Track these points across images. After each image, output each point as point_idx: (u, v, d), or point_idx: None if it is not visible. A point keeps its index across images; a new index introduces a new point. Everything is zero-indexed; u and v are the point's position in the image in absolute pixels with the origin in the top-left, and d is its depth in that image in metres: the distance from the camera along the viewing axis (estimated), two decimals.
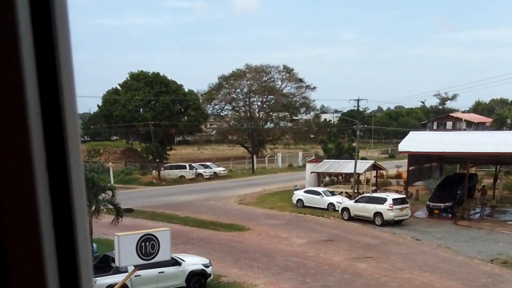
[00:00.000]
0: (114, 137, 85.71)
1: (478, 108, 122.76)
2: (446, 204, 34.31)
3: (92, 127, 73.47)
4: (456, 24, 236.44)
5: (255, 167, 63.89)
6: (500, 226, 30.93)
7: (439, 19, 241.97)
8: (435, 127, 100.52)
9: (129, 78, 69.16)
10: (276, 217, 34.45)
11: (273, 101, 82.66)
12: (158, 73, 69.90)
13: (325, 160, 45.88)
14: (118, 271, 17.85)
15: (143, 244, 16.85)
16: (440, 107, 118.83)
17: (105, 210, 24.29)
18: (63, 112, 1.09)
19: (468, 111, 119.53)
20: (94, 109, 72.36)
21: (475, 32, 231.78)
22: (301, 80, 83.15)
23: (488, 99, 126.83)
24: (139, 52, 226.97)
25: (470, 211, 35.33)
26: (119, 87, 69.50)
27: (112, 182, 41.14)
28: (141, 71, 69.60)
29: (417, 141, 37.50)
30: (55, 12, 1.07)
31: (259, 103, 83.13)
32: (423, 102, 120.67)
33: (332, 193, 38.12)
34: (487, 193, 38.48)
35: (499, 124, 79.61)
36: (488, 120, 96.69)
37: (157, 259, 17.04)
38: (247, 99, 77.66)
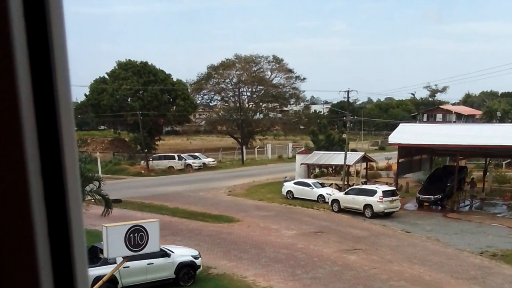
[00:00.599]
0: (102, 127, 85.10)
1: (468, 100, 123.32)
2: (435, 196, 34.35)
3: (79, 116, 72.81)
4: (446, 17, 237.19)
5: (244, 158, 63.72)
6: (489, 219, 30.99)
7: (429, 11, 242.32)
8: (425, 119, 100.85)
9: (116, 67, 68.41)
10: (265, 209, 34.29)
11: (262, 91, 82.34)
12: (146, 62, 69.25)
13: (315, 152, 45.76)
14: (106, 262, 17.61)
15: (131, 235, 16.61)
16: (430, 99, 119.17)
17: (92, 200, 24.04)
18: (57, 104, 1.09)
19: (458, 104, 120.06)
20: (81, 98, 71.63)
21: (465, 25, 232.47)
22: (291, 71, 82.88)
23: (478, 91, 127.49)
24: (127, 41, 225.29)
25: (460, 204, 35.37)
26: (106, 76, 68.75)
27: (100, 172, 40.82)
28: (129, 60, 68.87)
29: (407, 133, 37.48)
30: (49, 5, 1.06)
31: (248, 94, 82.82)
32: (413, 94, 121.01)
33: (322, 185, 38.02)
34: (477, 185, 38.64)
35: (489, 117, 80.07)
36: (478, 112, 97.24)
37: (145, 250, 16.81)
38: (237, 90, 77.38)
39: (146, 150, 56.79)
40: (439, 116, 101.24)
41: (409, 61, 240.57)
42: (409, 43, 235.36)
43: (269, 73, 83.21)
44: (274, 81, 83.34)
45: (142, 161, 56.68)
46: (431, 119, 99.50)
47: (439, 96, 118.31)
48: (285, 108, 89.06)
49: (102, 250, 17.20)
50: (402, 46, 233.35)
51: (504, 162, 51.68)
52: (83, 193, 22.42)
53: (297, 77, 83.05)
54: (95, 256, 18.79)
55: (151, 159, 56.13)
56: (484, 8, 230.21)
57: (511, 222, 30.07)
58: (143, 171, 53.50)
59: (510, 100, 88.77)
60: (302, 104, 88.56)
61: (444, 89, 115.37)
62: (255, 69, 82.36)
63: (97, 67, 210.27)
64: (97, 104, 66.30)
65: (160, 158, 57.23)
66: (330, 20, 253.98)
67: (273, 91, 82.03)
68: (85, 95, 68.90)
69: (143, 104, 64.36)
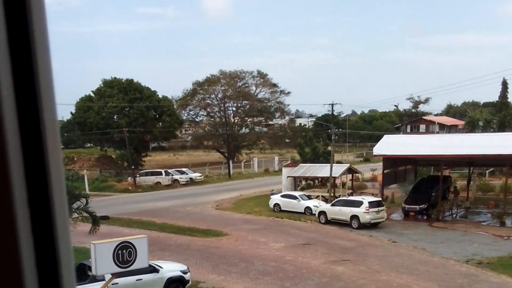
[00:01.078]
0: (88, 144, 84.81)
1: (450, 111, 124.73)
2: (421, 206, 34.71)
3: (66, 134, 72.61)
4: (426, 29, 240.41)
5: (231, 172, 63.85)
6: (474, 227, 31.38)
7: (408, 25, 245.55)
8: (408, 130, 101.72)
9: (102, 85, 68.64)
10: (253, 222, 34.41)
11: (248, 106, 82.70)
12: (132, 80, 69.51)
13: (301, 165, 46.08)
14: (95, 279, 17.60)
15: (120, 251, 16.65)
16: (413, 110, 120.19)
17: (80, 218, 24.03)
18: (43, 123, 1.07)
19: (441, 114, 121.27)
20: (67, 116, 71.55)
21: (444, 37, 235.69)
22: (275, 85, 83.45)
23: (460, 102, 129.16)
24: (112, 59, 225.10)
25: (445, 213, 35.76)
26: (92, 94, 68.93)
27: (87, 189, 40.67)
28: (115, 77, 69.13)
29: (392, 144, 37.92)
30: (32, 19, 1.05)
31: (234, 109, 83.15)
32: (396, 106, 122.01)
33: (309, 197, 38.26)
34: (460, 194, 39.08)
35: (471, 127, 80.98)
36: (460, 122, 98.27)
37: (134, 266, 16.84)
38: (222, 105, 77.66)
39: (133, 167, 56.74)
40: (422, 127, 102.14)
41: (391, 73, 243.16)
42: (391, 55, 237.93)
43: (254, 88, 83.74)
44: (259, 96, 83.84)
45: (129, 178, 56.60)
46: (415, 130, 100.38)
47: (422, 107, 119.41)
48: (270, 122, 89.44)
49: (91, 267, 17.20)
50: (384, 59, 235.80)
51: (487, 171, 52.30)
52: (70, 210, 22.45)
53: (282, 91, 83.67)
54: (84, 274, 18.74)
55: (138, 175, 56.10)
56: (463, 20, 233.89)
57: (496, 230, 30.48)
58: (130, 188, 53.40)
59: (492, 109, 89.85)
60: (287, 117, 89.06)
61: (426, 100, 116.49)
62: (240, 84, 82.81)
63: (83, 85, 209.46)
64: (83, 122, 66.31)
65: (147, 174, 57.25)
66: (312, 35, 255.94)
67: (258, 105, 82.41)
68: (71, 113, 69.07)
69: (129, 121, 64.44)
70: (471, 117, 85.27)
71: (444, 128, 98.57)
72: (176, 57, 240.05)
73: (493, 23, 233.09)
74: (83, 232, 23.79)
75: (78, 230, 23.71)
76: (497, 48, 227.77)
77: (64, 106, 64.20)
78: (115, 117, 67.10)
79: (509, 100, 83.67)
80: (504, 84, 78.60)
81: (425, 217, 34.77)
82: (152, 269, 19.52)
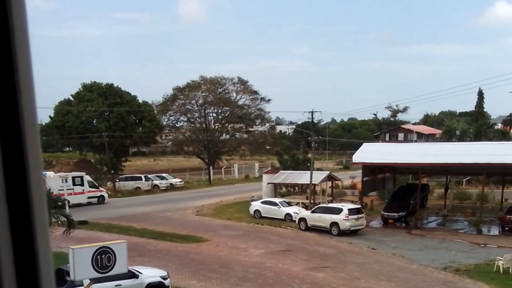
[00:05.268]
0: (67, 149, 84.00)
1: (428, 120, 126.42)
2: (399, 213, 35.06)
3: (44, 138, 71.76)
4: (403, 39, 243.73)
5: (211, 178, 63.76)
6: (452, 235, 31.78)
7: (384, 35, 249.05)
8: (387, 138, 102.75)
9: (81, 89, 68.10)
10: (233, 228, 34.39)
11: (228, 112, 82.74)
12: (112, 84, 69.11)
13: (281, 171, 46.22)
14: (73, 284, 17.43)
15: (98, 257, 16.53)
16: (392, 119, 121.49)
17: (59, 222, 23.77)
18: (23, 126, 1.06)
19: (419, 123, 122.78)
20: (45, 120, 70.75)
21: (422, 47, 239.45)
22: (255, 92, 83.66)
23: (437, 111, 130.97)
24: (92, 63, 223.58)
25: (423, 220, 36.15)
26: (71, 98, 68.36)
27: (65, 194, 40.15)
28: (94, 82, 68.68)
29: (371, 152, 38.30)
30: (13, 23, 1.05)
31: (214, 115, 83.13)
32: (375, 114, 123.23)
33: (289, 204, 38.38)
34: (437, 202, 39.58)
35: (449, 136, 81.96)
36: (438, 131, 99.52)
37: (113, 272, 16.73)
38: (203, 111, 77.59)
39: (112, 171, 56.37)
40: (400, 136, 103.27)
41: (371, 82, 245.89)
42: (370, 64, 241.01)
43: (234, 94, 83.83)
44: (240, 102, 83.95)
45: (109, 182, 56.17)
46: (393, 139, 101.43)
47: (400, 116, 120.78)
48: (251, 129, 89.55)
49: (69, 273, 17.05)
50: (363, 68, 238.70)
51: (464, 180, 53.07)
52: (49, 214, 22.20)
53: (262, 99, 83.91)
54: (62, 279, 18.56)
55: (117, 180, 55.77)
56: (439, 31, 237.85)
57: (473, 237, 30.92)
58: (110, 192, 52.88)
59: (468, 119, 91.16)
60: (267, 124, 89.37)
61: (404, 109, 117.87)
62: (221, 91, 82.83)
63: (61, 89, 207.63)
64: (62, 126, 65.68)
65: (126, 179, 56.91)
66: (292, 43, 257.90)
67: (238, 112, 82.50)
68: (50, 117, 68.25)
69: (109, 125, 64.05)
70: (448, 126, 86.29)
71: (422, 137, 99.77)
72: (156, 62, 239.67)
73: (468, 34, 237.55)
74: (61, 237, 23.51)
75: (56, 234, 23.44)
76: (473, 59, 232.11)
77: (43, 109, 63.60)
78: (94, 122, 66.62)
79: (485, 109, 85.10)
80: (480, 94, 79.96)
81: (403, 225, 35.14)
82: (132, 275, 19.38)
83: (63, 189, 40.66)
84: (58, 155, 78.20)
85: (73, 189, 44.21)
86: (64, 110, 66.34)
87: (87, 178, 47.12)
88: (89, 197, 45.69)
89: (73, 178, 45.28)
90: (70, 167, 70.08)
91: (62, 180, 41.97)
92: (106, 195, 47.84)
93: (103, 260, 16.51)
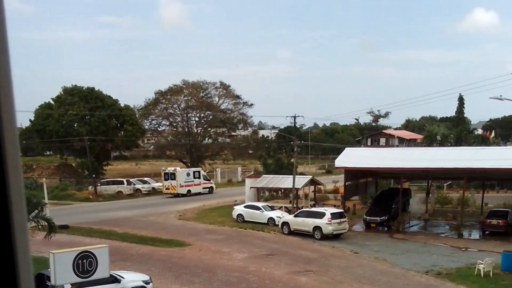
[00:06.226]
0: (48, 152, 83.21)
1: (409, 125, 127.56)
2: (382, 218, 35.28)
3: (24, 142, 71.01)
4: (385, 45, 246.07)
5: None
6: (433, 239, 32.04)
7: (367, 40, 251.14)
8: (369, 143, 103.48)
9: (62, 93, 67.58)
10: (216, 232, 34.29)
11: (211, 116, 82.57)
12: (93, 88, 68.73)
13: (264, 176, 46.24)
14: None
15: (80, 261, 16.36)
16: (374, 124, 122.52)
17: (39, 227, 23.48)
18: (2, 130, 1.05)
19: (400, 128, 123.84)
20: (26, 123, 70.03)
21: (403, 53, 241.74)
22: (238, 97, 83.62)
23: (418, 116, 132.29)
24: (72, 67, 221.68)
25: (405, 224, 36.41)
26: (52, 102, 67.77)
27: (46, 198, 39.71)
28: (75, 85, 68.20)
29: (353, 157, 38.50)
30: None
31: (196, 119, 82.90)
32: (357, 119, 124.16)
33: (272, 208, 38.37)
34: (419, 206, 39.88)
35: (430, 141, 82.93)
36: (419, 136, 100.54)
37: (95, 276, 16.56)
38: (185, 115, 77.39)
39: (93, 175, 55.95)
40: (382, 140, 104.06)
41: (353, 87, 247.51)
42: (352, 69, 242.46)
43: (216, 98, 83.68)
44: (222, 107, 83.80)
45: (90, 186, 55.76)
46: (375, 143, 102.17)
47: (382, 121, 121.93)
48: (233, 133, 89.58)
49: (49, 277, 16.84)
50: (344, 73, 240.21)
51: (445, 184, 53.58)
52: (28, 219, 21.92)
53: (245, 103, 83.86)
54: (42, 284, 18.36)
55: (99, 184, 55.35)
56: (420, 37, 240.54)
57: (454, 241, 31.22)
58: (91, 196, 52.55)
59: (449, 124, 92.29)
60: (250, 129, 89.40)
61: (386, 115, 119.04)
62: (203, 95, 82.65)
63: (42, 92, 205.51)
64: (43, 129, 65.07)
65: (108, 183, 56.50)
66: (275, 47, 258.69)
67: (221, 116, 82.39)
68: (30, 120, 67.62)
69: (90, 129, 63.57)
70: (429, 131, 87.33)
71: (404, 142, 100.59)
72: (138, 66, 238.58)
73: (449, 40, 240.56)
74: (41, 241, 23.21)
75: (36, 239, 23.14)
76: (453, 65, 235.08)
77: (22, 113, 63.02)
78: (75, 125, 66.12)
79: (465, 115, 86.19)
80: (461, 100, 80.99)
81: (386, 229, 35.35)
82: (114, 279, 19.21)
83: (188, 182, 53.23)
84: (39, 159, 77.44)
85: (193, 181, 54.43)
86: (44, 114, 65.74)
87: (202, 172, 57.03)
88: (203, 188, 54.46)
89: (193, 172, 55.64)
90: (51, 171, 69.49)
91: (187, 174, 54.17)
92: (214, 186, 57.50)
93: (84, 264, 16.35)
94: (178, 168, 55.65)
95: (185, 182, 52.86)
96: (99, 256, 16.58)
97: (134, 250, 28.74)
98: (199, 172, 56.27)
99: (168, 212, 42.65)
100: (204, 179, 55.74)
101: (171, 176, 53.16)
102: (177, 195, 52.36)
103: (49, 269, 16.90)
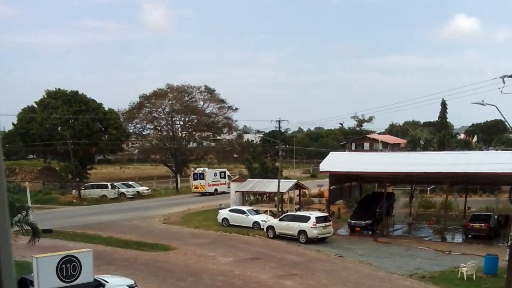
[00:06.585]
0: (31, 156, 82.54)
1: (393, 129, 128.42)
2: (366, 221, 35.48)
3: (7, 145, 70.31)
4: (368, 51, 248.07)
5: (179, 186, 63.33)
6: (417, 242, 32.28)
7: (351, 45, 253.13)
8: (353, 147, 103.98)
9: (46, 96, 67.14)
10: (201, 236, 34.22)
11: (195, 120, 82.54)
12: (77, 91, 68.38)
13: (249, 180, 46.28)
14: None
15: (64, 266, 16.27)
16: (358, 128, 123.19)
17: (22, 231, 23.26)
18: None
19: (384, 133, 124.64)
20: (8, 127, 69.45)
21: (386, 58, 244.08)
22: (223, 101, 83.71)
23: (402, 121, 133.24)
24: (56, 70, 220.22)
25: (389, 228, 36.63)
26: (35, 105, 67.26)
27: (29, 202, 39.33)
28: (59, 89, 67.79)
29: (337, 161, 38.71)
30: None
31: (181, 123, 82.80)
32: (341, 124, 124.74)
33: (257, 212, 38.39)
34: (403, 210, 40.14)
35: (413, 145, 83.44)
36: (402, 141, 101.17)
37: (79, 281, 16.48)
38: (169, 119, 77.21)
39: (77, 179, 55.56)
40: (366, 145, 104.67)
41: (336, 92, 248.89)
42: (335, 75, 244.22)
43: (201, 102, 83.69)
44: (207, 111, 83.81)
45: (74, 190, 55.38)
46: (359, 148, 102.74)
47: (366, 126, 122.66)
48: (218, 137, 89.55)
49: (33, 282, 16.71)
50: (328, 78, 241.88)
51: (428, 188, 54.02)
52: (11, 223, 21.71)
53: (229, 107, 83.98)
54: None
55: (83, 188, 54.98)
56: (404, 43, 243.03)
57: (437, 245, 31.47)
58: (75, 200, 52.15)
59: (432, 129, 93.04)
60: (235, 133, 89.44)
61: (370, 119, 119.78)
62: (187, 99, 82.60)
63: (25, 96, 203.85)
64: (26, 133, 64.58)
65: (92, 187, 56.16)
66: (259, 52, 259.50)
67: (206, 120, 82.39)
68: (13, 124, 67.01)
69: (74, 133, 63.18)
70: (412, 136, 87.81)
71: (387, 146, 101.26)
72: (122, 70, 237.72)
73: (432, 46, 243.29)
74: (25, 245, 23.00)
75: (20, 243, 22.95)
76: (436, 70, 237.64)
77: (5, 116, 62.52)
78: (59, 129, 65.72)
79: (448, 120, 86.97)
80: (443, 105, 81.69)
81: (370, 232, 35.54)
82: (98, 284, 19.05)
83: (215, 181, 57.65)
84: (22, 163, 76.83)
85: (219, 180, 58.64)
86: (27, 117, 65.26)
87: (227, 173, 60.80)
88: (228, 187, 53.59)
89: (220, 172, 59.80)
90: (34, 175, 68.88)
91: (214, 174, 58.82)
92: None
93: (68, 269, 16.26)
94: (206, 169, 60.17)
95: (212, 181, 57.65)
96: (83, 261, 16.51)
97: (119, 254, 28.56)
98: (224, 172, 60.22)
99: (153, 216, 42.47)
100: (229, 179, 57.51)
101: (200, 176, 57.83)
102: (205, 194, 56.78)
103: (32, 274, 16.77)
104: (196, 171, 58.92)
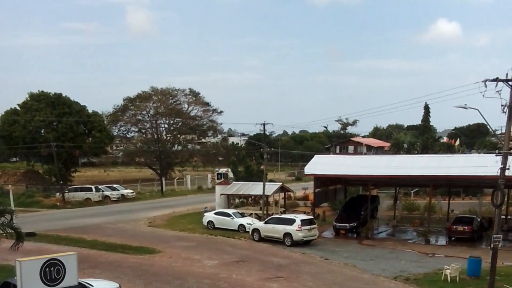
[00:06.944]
0: (14, 159, 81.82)
1: (377, 133, 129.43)
2: (351, 224, 35.65)
3: None
4: (351, 55, 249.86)
5: (164, 189, 63.18)
6: (401, 245, 32.50)
7: (334, 49, 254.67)
8: (338, 150, 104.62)
9: (28, 98, 66.63)
10: (187, 239, 34.13)
11: (180, 123, 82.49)
12: (60, 94, 67.99)
13: (234, 182, 46.29)
14: None
15: (47, 269, 16.06)
16: (342, 132, 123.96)
17: (4, 235, 22.97)
18: None
19: (368, 136, 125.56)
20: None
21: (369, 62, 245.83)
22: (207, 104, 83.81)
23: (385, 124, 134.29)
24: (39, 73, 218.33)
25: (374, 231, 36.85)
26: (18, 108, 66.67)
27: (12, 205, 39.10)
28: (42, 91, 67.33)
29: (322, 164, 38.89)
30: None
31: (166, 126, 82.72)
32: (326, 127, 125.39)
33: (242, 215, 38.39)
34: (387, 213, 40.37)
35: (397, 148, 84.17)
36: (386, 144, 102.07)
37: (63, 284, 16.26)
38: (154, 121, 77.03)
39: (61, 182, 55.14)
40: (351, 148, 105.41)
41: (321, 95, 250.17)
42: (318, 78, 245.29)
43: (186, 105, 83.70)
44: (192, 114, 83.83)
45: (58, 193, 54.92)
46: (344, 151, 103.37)
47: (350, 129, 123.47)
48: (203, 140, 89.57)
49: (16, 286, 16.50)
50: (312, 81, 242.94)
51: (412, 191, 54.47)
52: None
53: (214, 110, 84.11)
54: None
55: (67, 191, 54.54)
56: (386, 47, 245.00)
57: (421, 247, 31.72)
58: (58, 203, 51.69)
59: (415, 132, 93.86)
60: (219, 136, 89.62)
61: (354, 123, 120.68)
62: (172, 102, 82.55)
63: (7, 98, 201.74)
64: (8, 135, 64.05)
65: (76, 190, 55.74)
66: (243, 55, 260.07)
67: (190, 123, 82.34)
68: None
69: (58, 135, 62.74)
70: (396, 139, 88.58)
71: (371, 150, 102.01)
72: (105, 73, 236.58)
73: (414, 50, 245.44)
74: (7, 249, 22.70)
75: (2, 247, 22.69)
76: (419, 74, 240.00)
77: None
78: (42, 131, 65.24)
79: (431, 123, 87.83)
80: (426, 108, 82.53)
81: (355, 235, 35.72)
82: (82, 287, 18.90)
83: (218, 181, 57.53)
84: (4, 166, 76.24)
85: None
86: (10, 120, 64.74)
87: (230, 174, 62.71)
88: None
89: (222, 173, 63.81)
90: (17, 178, 68.24)
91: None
92: None
93: (52, 272, 16.06)
94: (229, 169, 63.32)
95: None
96: (67, 264, 16.30)
97: (103, 258, 28.36)
98: (226, 173, 62.93)
99: (138, 219, 42.26)
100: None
101: (224, 175, 61.58)
102: None
103: (15, 277, 16.55)
104: (219, 171, 63.98)
